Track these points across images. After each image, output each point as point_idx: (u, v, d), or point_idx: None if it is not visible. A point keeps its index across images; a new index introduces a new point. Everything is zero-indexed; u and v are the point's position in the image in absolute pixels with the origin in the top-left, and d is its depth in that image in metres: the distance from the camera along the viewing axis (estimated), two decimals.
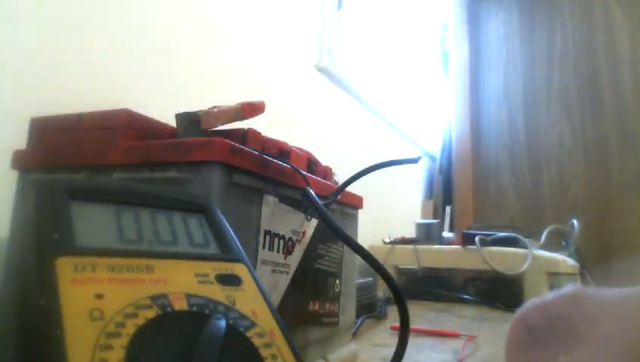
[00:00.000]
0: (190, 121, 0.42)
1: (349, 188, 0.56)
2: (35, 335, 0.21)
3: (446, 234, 1.57)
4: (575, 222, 1.45)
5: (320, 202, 0.45)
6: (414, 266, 1.35)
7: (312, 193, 0.45)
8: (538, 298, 0.42)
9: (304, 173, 0.48)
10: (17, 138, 0.47)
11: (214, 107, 0.43)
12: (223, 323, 0.25)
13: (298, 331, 0.47)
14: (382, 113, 1.73)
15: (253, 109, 0.45)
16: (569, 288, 0.41)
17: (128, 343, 0.21)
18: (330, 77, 1.37)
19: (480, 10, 2.47)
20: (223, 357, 0.23)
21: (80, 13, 0.68)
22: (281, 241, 0.45)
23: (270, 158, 0.43)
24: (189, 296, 0.25)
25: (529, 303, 0.42)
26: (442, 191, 2.35)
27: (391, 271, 1.49)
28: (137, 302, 0.23)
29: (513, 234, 1.29)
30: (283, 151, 0.49)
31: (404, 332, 0.43)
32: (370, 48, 1.74)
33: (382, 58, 1.84)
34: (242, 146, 0.40)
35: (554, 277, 1.19)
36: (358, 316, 0.78)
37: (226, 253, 0.31)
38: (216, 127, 0.43)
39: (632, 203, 1.98)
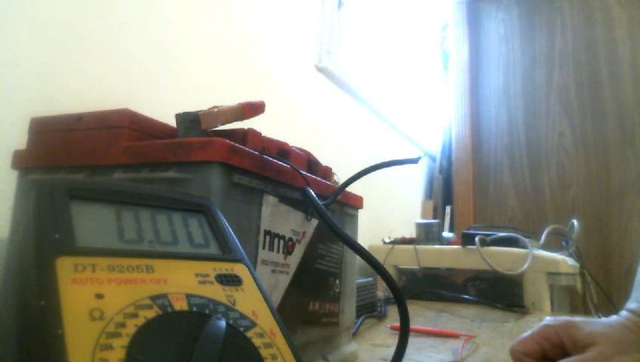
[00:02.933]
0: (190, 121, 0.42)
1: (349, 188, 0.56)
2: (35, 335, 0.21)
3: (446, 234, 1.57)
4: (575, 222, 1.45)
5: (320, 202, 0.45)
6: (414, 266, 1.35)
7: (312, 193, 0.45)
8: (526, 332, 0.50)
9: (304, 173, 0.48)
10: (17, 138, 0.47)
11: (214, 107, 0.43)
12: (222, 323, 0.25)
13: (298, 331, 0.47)
14: (382, 113, 1.73)
15: (253, 109, 0.45)
16: (550, 319, 0.48)
17: (129, 343, 0.21)
18: (330, 77, 1.37)
19: (480, 10, 2.48)
20: (223, 357, 0.23)
21: (80, 13, 0.68)
22: (281, 241, 0.45)
23: (270, 158, 0.43)
24: (189, 296, 0.25)
25: (519, 337, 0.51)
26: (442, 191, 2.35)
27: (391, 271, 1.48)
28: (137, 302, 0.23)
29: (513, 234, 1.29)
30: (283, 151, 0.49)
31: (404, 332, 0.43)
32: (370, 48, 1.74)
33: (382, 58, 1.84)
34: (242, 146, 0.40)
35: (554, 277, 1.19)
36: (358, 316, 0.78)
37: (226, 253, 0.31)
38: (216, 127, 0.43)
39: (632, 203, 1.97)
